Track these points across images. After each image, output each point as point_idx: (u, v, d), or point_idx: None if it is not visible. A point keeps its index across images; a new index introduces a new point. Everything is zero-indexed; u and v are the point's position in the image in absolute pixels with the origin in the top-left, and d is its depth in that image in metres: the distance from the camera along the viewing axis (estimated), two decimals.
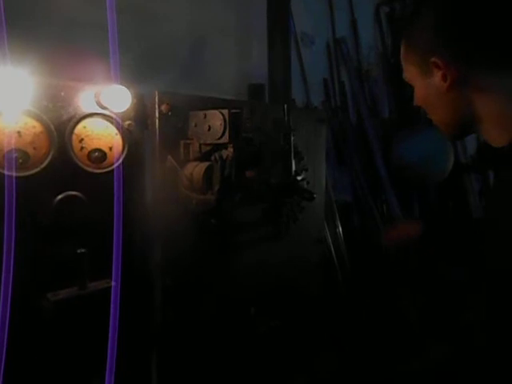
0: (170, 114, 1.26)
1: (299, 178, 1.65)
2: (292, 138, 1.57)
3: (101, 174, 1.11)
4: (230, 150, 1.18)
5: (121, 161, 1.13)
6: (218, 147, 1.23)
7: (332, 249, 2.27)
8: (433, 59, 0.76)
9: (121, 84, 1.11)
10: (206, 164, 1.23)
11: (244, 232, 1.53)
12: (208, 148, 1.25)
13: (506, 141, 0.73)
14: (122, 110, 1.11)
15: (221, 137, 1.18)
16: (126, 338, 1.08)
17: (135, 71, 1.37)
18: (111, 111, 1.11)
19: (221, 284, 1.43)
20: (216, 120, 1.19)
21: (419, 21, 0.80)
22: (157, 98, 1.24)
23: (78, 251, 1.02)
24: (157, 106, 1.24)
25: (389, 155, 2.92)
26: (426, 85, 0.80)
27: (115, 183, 1.10)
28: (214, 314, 1.41)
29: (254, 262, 1.56)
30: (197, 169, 1.25)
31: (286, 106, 1.61)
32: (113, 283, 1.04)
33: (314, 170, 1.82)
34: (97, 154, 1.10)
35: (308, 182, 1.73)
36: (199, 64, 1.95)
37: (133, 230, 1.17)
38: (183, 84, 1.57)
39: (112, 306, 1.02)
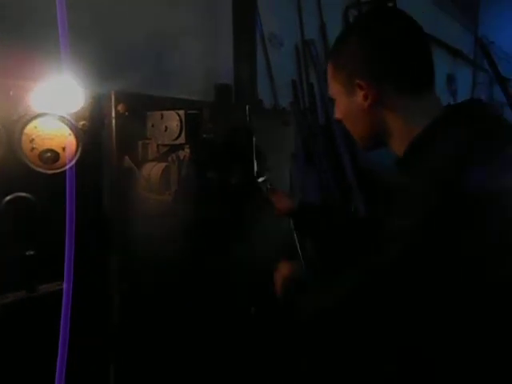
0: (127, 114, 1.25)
1: (262, 179, 1.67)
2: (254, 139, 1.58)
3: (53, 174, 1.09)
4: (187, 150, 1.18)
5: (74, 161, 1.11)
6: (175, 148, 1.22)
7: (300, 254, 2.28)
8: (357, 81, 0.85)
9: (77, 84, 1.09)
10: (163, 165, 1.22)
11: (204, 233, 1.52)
12: (166, 149, 1.25)
13: (402, 152, 0.85)
14: (75, 110, 1.09)
15: (177, 137, 1.17)
16: (79, 342, 1.06)
17: (95, 71, 1.35)
18: (64, 111, 1.09)
19: (180, 286, 1.42)
20: (172, 121, 1.18)
21: (346, 44, 0.88)
22: (113, 97, 1.23)
23: (27, 253, 1.00)
24: (113, 106, 1.23)
25: (356, 157, 2.97)
26: (349, 102, 0.89)
27: (68, 184, 1.08)
28: (173, 317, 1.40)
29: (216, 263, 1.56)
30: (154, 169, 1.24)
31: (248, 106, 1.62)
32: (64, 285, 1.02)
33: (278, 172, 1.84)
34: (49, 154, 1.08)
35: (271, 184, 1.74)
36: (164, 64, 1.93)
37: (87, 232, 1.16)
38: (147, 85, 1.55)
39: (63, 308, 1.00)
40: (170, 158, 1.23)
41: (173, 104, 1.30)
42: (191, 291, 1.46)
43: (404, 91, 0.84)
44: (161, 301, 1.35)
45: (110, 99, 1.23)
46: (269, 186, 1.74)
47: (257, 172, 1.61)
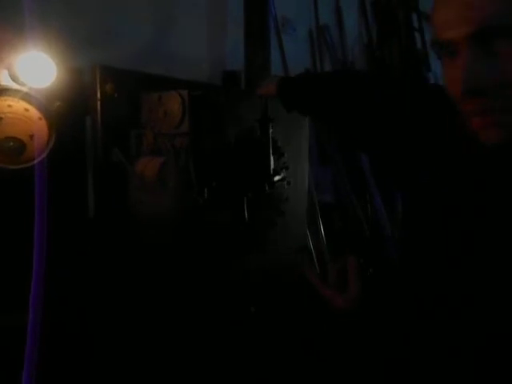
0: (116, 95, 1.00)
1: (278, 177, 1.41)
2: (271, 131, 1.33)
3: (17, 171, 0.84)
4: (192, 141, 0.93)
5: (45, 154, 0.86)
6: (176, 138, 0.97)
7: (314, 256, 2.03)
8: None
9: (47, 55, 0.84)
10: (160, 159, 0.97)
11: (209, 242, 1.28)
12: (165, 139, 0.99)
13: None
14: (44, 85, 0.84)
15: (179, 125, 0.92)
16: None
17: (82, 44, 1.10)
18: (31, 88, 0.83)
19: (183, 303, 1.18)
20: (173, 103, 0.93)
21: None
22: (98, 74, 0.97)
23: None
24: (98, 85, 0.97)
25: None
26: None
27: (37, 183, 0.83)
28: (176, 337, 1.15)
29: (224, 278, 1.31)
30: (150, 165, 0.99)
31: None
32: (29, 321, 0.77)
33: (295, 169, 1.59)
34: (11, 143, 0.83)
35: (289, 183, 1.49)
36: (165, 44, 1.67)
37: (64, 248, 0.91)
38: (144, 65, 1.30)
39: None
40: (170, 151, 0.97)
41: (174, 85, 1.04)
42: (189, 304, 1.21)
43: None
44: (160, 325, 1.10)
45: (95, 76, 0.98)
46: (286, 186, 1.50)
47: (273, 169, 1.35)
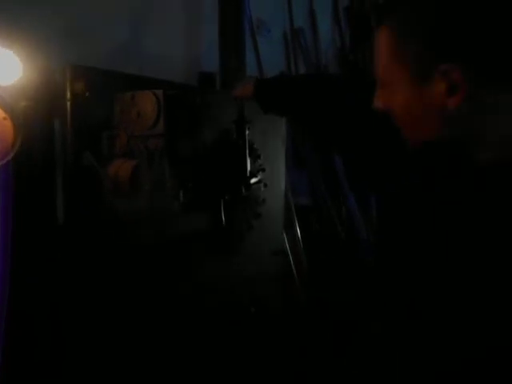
0: (87, 94, 0.95)
1: (255, 179, 1.40)
2: (247, 132, 1.31)
3: None
4: (166, 143, 0.90)
5: (10, 157, 0.81)
6: (150, 140, 0.94)
7: (291, 259, 2.02)
8: (443, 66, 0.57)
9: (13, 53, 0.80)
10: (134, 162, 0.93)
11: (186, 246, 1.24)
12: (138, 141, 0.96)
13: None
14: (9, 83, 0.79)
15: (153, 126, 0.89)
16: None
17: (54, 43, 1.05)
18: None
19: (156, 310, 1.14)
20: (147, 103, 0.90)
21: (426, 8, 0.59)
22: (68, 73, 0.93)
23: None
24: (68, 85, 0.93)
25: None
26: (417, 93, 0.61)
27: (1, 188, 0.79)
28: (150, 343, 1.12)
29: (200, 282, 1.28)
30: (123, 168, 0.95)
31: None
32: None
33: (271, 171, 1.57)
34: None
35: (265, 185, 1.47)
36: (139, 44, 1.63)
37: (31, 253, 0.86)
38: (118, 65, 1.26)
39: None
40: (143, 153, 0.94)
41: (148, 85, 1.01)
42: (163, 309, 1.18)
43: (504, 83, 0.58)
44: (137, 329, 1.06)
45: (65, 75, 0.93)
46: (262, 189, 1.48)
47: (250, 171, 1.33)
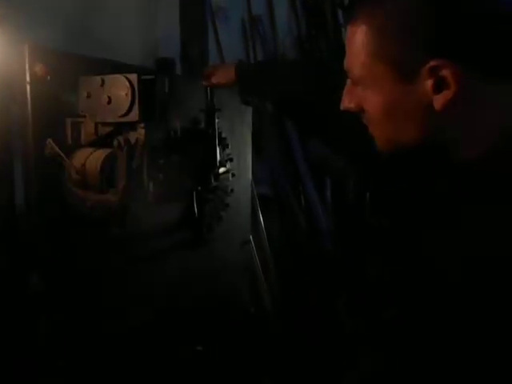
0: (49, 78, 0.87)
1: (223, 169, 1.36)
2: (217, 121, 1.27)
3: None
4: (141, 131, 0.84)
5: None
6: (122, 128, 0.87)
7: (254, 250, 2.01)
8: (432, 62, 0.55)
9: None
10: (105, 151, 0.87)
11: (156, 239, 1.19)
12: (108, 129, 0.89)
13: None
14: None
15: (127, 113, 0.83)
16: None
17: (8, 23, 0.95)
18: None
19: (126, 303, 1.08)
20: (119, 89, 0.83)
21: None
22: (27, 53, 0.84)
23: None
24: (27, 66, 0.84)
25: (307, 144, 2.76)
26: (401, 91, 0.59)
27: None
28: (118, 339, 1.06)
29: (170, 275, 1.23)
30: (92, 158, 0.88)
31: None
32: None
33: (238, 160, 1.54)
34: None
35: (233, 175, 1.44)
36: (91, 25, 1.52)
37: None
38: (71, 47, 1.16)
39: None
40: (115, 143, 0.87)
41: (114, 69, 0.94)
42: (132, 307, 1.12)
43: (494, 78, 0.58)
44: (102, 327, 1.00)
45: (23, 56, 0.84)
46: (231, 179, 1.45)
47: (219, 161, 1.30)
